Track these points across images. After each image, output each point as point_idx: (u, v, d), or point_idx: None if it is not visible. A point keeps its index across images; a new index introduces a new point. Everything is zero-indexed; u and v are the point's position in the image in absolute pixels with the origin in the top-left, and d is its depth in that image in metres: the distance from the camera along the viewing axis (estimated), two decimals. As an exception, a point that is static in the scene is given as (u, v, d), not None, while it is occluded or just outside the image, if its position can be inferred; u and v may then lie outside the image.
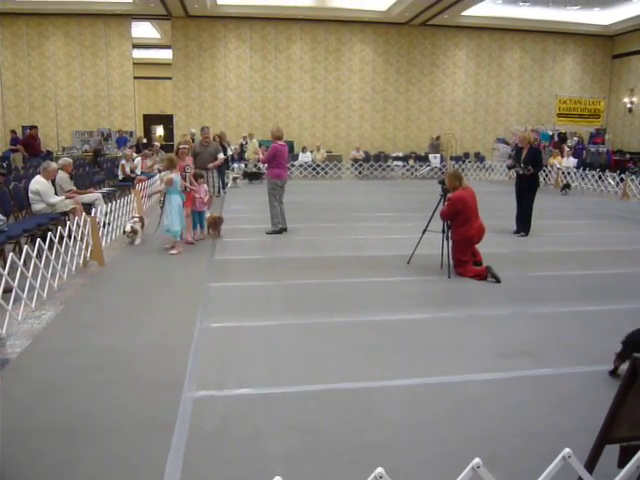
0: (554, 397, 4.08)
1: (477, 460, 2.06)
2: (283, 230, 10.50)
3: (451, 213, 7.52)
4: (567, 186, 18.54)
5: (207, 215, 10.17)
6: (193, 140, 15.36)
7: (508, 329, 5.58)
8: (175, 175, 8.77)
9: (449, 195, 7.67)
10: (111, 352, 4.84)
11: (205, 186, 10.01)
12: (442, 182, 7.87)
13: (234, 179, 18.92)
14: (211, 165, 11.25)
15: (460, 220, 7.51)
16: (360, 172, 23.79)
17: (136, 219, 9.57)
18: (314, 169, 23.12)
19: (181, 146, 9.87)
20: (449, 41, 25.66)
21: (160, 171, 15.10)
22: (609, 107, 26.53)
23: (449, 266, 7.51)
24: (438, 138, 25.53)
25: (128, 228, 9.25)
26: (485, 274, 7.30)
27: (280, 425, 3.65)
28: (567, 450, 2.19)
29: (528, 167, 10.35)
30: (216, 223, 9.99)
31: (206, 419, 3.71)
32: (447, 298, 6.70)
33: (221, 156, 11.73)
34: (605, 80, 27.17)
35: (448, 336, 5.36)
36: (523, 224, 10.51)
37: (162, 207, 9.07)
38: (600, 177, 19.12)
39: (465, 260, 7.55)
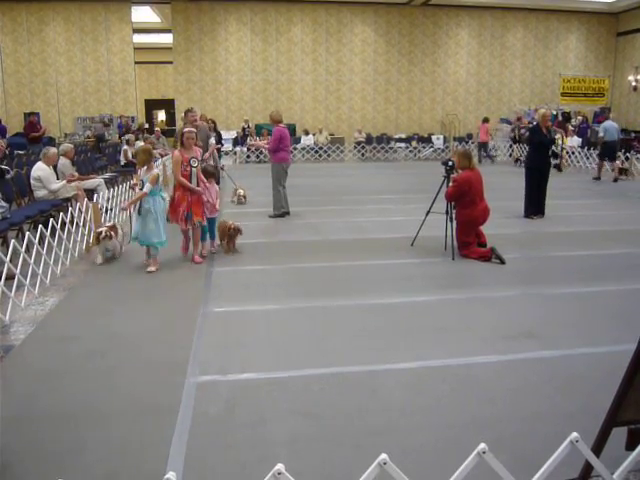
0: (559, 379, 4.05)
1: (482, 445, 2.03)
2: (286, 214, 10.47)
3: (456, 194, 7.46)
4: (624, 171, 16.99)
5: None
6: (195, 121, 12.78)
7: (512, 311, 5.55)
8: (158, 170, 7.28)
9: (455, 176, 7.60)
10: (114, 338, 4.83)
11: (216, 186, 7.99)
12: (445, 163, 7.80)
13: (239, 196, 12.08)
14: (207, 155, 9.77)
15: (465, 202, 7.45)
16: (363, 154, 23.68)
17: (105, 228, 7.25)
18: (316, 152, 23.00)
19: (186, 129, 7.41)
20: (451, 21, 25.37)
21: (162, 156, 15.07)
22: (614, 85, 26.23)
23: (453, 248, 7.46)
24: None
25: (103, 234, 7.13)
26: (490, 255, 7.26)
27: (284, 409, 3.64)
28: (575, 434, 2.16)
29: (554, 147, 10.20)
30: (230, 234, 7.71)
31: (210, 404, 3.70)
32: (451, 280, 6.66)
33: (212, 141, 10.50)
34: (610, 58, 26.84)
35: (452, 318, 5.33)
36: (539, 206, 10.33)
37: (139, 212, 6.83)
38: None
39: (469, 242, 7.50)
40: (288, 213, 10.51)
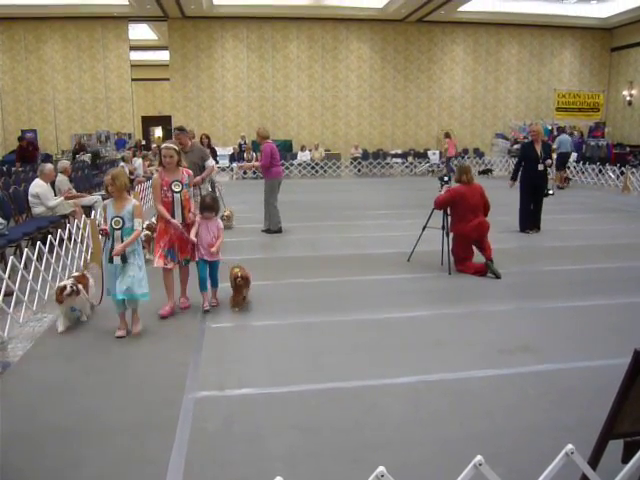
0: (555, 392, 4.07)
1: (479, 457, 2.05)
2: (280, 230, 10.41)
3: (444, 203, 7.56)
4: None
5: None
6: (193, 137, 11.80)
7: (508, 325, 5.57)
8: (135, 200, 5.43)
9: (449, 187, 7.69)
10: (112, 354, 4.84)
11: (219, 222, 6.18)
12: (441, 178, 7.86)
13: (223, 216, 10.36)
14: (198, 179, 7.58)
15: (456, 215, 7.51)
16: (359, 170, 23.79)
17: (71, 281, 5.54)
18: (313, 168, 23.10)
19: (163, 145, 5.96)
20: (446, 37, 25.62)
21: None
22: (608, 100, 26.46)
23: (449, 262, 7.50)
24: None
25: (68, 290, 5.34)
26: (485, 270, 7.29)
27: (282, 425, 3.65)
28: (570, 446, 2.18)
29: (547, 161, 10.31)
30: (237, 285, 5.93)
31: (208, 419, 3.71)
32: (447, 295, 6.69)
33: (210, 163, 8.39)
34: (604, 73, 27.11)
35: (449, 333, 5.35)
36: (535, 221, 10.41)
37: (110, 258, 5.19)
38: (600, 171, 19.09)
39: (465, 257, 7.53)
40: (281, 230, 10.45)
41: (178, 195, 5.80)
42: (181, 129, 8.44)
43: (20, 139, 19.96)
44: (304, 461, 3.25)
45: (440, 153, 23.99)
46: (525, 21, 25.07)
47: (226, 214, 10.73)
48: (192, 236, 5.89)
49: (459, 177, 7.61)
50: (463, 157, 24.46)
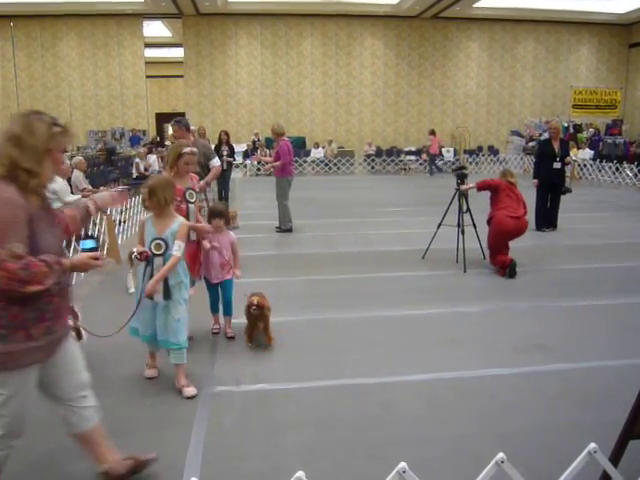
0: (573, 392, 4.03)
1: (501, 455, 2.03)
2: (291, 229, 10.30)
3: (488, 184, 7.54)
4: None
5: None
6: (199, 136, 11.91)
7: (525, 323, 5.53)
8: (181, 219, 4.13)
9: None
10: (129, 348, 4.85)
11: (231, 234, 5.11)
12: (458, 172, 7.79)
13: None
14: (203, 184, 6.44)
15: (498, 202, 7.43)
16: (373, 167, 23.74)
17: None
18: (326, 164, 23.08)
19: (187, 150, 4.91)
20: (461, 33, 25.47)
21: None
22: (626, 97, 26.17)
23: (465, 260, 7.45)
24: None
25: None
26: (508, 265, 7.12)
27: (298, 420, 3.65)
28: (593, 445, 2.16)
29: (566, 158, 10.22)
30: (253, 315, 4.82)
31: (224, 415, 3.72)
32: (463, 293, 6.65)
33: (216, 163, 7.25)
34: (621, 70, 26.80)
35: (464, 331, 5.32)
36: (551, 219, 10.34)
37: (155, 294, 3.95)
38: (617, 169, 18.89)
39: (498, 249, 7.36)
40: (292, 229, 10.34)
41: (192, 205, 4.98)
42: (179, 121, 7.06)
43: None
44: (320, 457, 3.25)
45: (427, 151, 23.58)
46: (541, 17, 24.83)
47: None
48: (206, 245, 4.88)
49: (505, 178, 7.60)
50: (477, 155, 24.32)
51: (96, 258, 2.63)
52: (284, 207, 10.25)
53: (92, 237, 7.79)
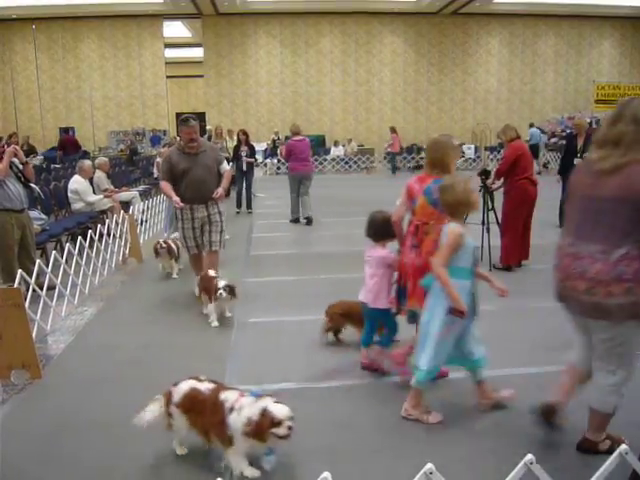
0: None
1: (530, 456, 2.00)
2: (297, 220, 11.04)
3: (509, 164, 7.36)
4: None
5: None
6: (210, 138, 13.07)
7: (551, 322, 5.41)
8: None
9: (503, 152, 7.60)
10: (149, 348, 4.88)
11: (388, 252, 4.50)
12: (482, 174, 7.71)
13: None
14: (220, 191, 5.96)
15: (518, 170, 7.28)
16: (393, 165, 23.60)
17: None
18: (346, 162, 23.03)
19: None
20: (481, 29, 25.26)
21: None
22: (650, 92, 25.75)
23: (490, 258, 7.36)
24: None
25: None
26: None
27: (320, 419, 3.63)
28: (624, 446, 2.11)
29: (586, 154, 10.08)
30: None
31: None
32: (487, 290, 6.55)
33: (226, 167, 6.39)
34: (645, 64, 26.40)
35: (489, 329, 5.24)
36: None
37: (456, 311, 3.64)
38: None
39: (515, 228, 7.28)
40: (298, 220, 11.05)
41: None
42: (185, 120, 6.02)
43: (66, 131, 22.59)
44: (343, 457, 3.23)
45: (387, 149, 23.23)
46: (562, 11, 24.55)
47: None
48: None
49: (511, 134, 7.50)
50: (499, 151, 24.06)
51: None
52: (291, 199, 11.21)
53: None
